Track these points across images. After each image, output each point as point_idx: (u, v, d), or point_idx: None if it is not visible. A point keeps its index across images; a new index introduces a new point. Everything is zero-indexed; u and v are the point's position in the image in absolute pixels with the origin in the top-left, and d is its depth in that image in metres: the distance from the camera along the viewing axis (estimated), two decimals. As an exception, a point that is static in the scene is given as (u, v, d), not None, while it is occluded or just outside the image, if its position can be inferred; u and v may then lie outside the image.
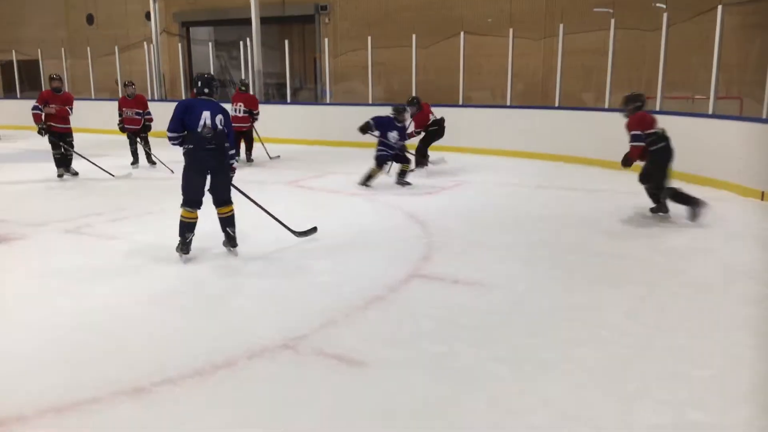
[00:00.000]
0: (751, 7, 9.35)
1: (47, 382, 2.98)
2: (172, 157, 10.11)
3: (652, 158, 6.21)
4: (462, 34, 11.68)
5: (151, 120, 10.04)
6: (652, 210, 6.41)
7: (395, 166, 8.37)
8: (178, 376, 3.00)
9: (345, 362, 3.18)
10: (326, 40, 13.87)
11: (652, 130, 6.15)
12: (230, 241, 5.07)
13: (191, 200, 4.82)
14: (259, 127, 10.75)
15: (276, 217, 5.54)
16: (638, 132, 6.15)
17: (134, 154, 10.04)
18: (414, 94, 9.81)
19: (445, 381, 3.00)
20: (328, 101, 14.27)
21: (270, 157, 10.89)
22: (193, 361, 3.15)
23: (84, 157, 9.01)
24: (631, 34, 10.65)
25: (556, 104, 10.93)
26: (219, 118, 4.80)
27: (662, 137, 6.15)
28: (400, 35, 12.92)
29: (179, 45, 15.80)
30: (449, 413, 2.73)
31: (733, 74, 10.11)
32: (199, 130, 4.71)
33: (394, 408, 2.76)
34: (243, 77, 12.53)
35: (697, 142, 8.27)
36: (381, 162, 8.12)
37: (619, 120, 6.47)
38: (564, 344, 3.41)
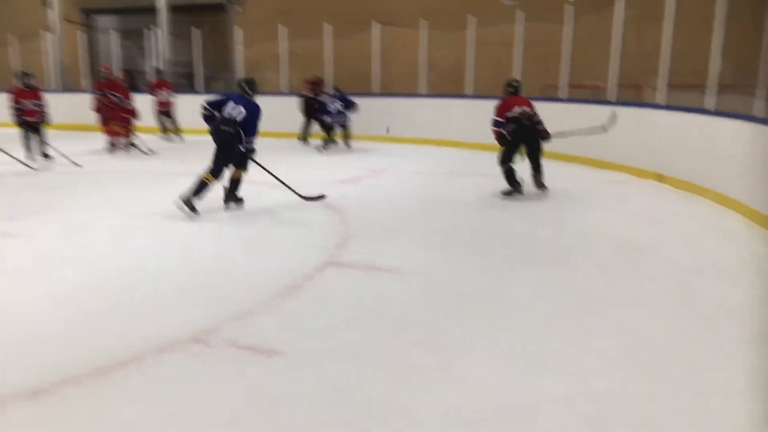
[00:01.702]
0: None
1: (-67, 391, 2.75)
2: (72, 150, 9.62)
3: (505, 140, 6.71)
4: (374, 24, 11.69)
5: (47, 113, 9.48)
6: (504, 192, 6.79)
7: None
8: (80, 375, 2.84)
9: (260, 353, 3.11)
10: (238, 29, 13.54)
11: (511, 114, 6.58)
12: (225, 197, 6.23)
13: (212, 169, 5.99)
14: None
15: (284, 181, 6.43)
16: (496, 118, 6.67)
17: (28, 147, 9.42)
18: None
19: (365, 369, 2.99)
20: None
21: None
22: (98, 359, 2.99)
23: (4, 151, 8.59)
24: (540, 27, 11.01)
25: (470, 94, 11.19)
26: (238, 109, 5.91)
27: (515, 119, 6.56)
28: (315, 25, 12.80)
29: (81, 34, 14.93)
30: (372, 401, 2.71)
31: (633, 63, 10.67)
32: (224, 114, 5.98)
33: (314, 397, 2.72)
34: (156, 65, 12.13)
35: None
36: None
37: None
38: (482, 327, 3.48)
